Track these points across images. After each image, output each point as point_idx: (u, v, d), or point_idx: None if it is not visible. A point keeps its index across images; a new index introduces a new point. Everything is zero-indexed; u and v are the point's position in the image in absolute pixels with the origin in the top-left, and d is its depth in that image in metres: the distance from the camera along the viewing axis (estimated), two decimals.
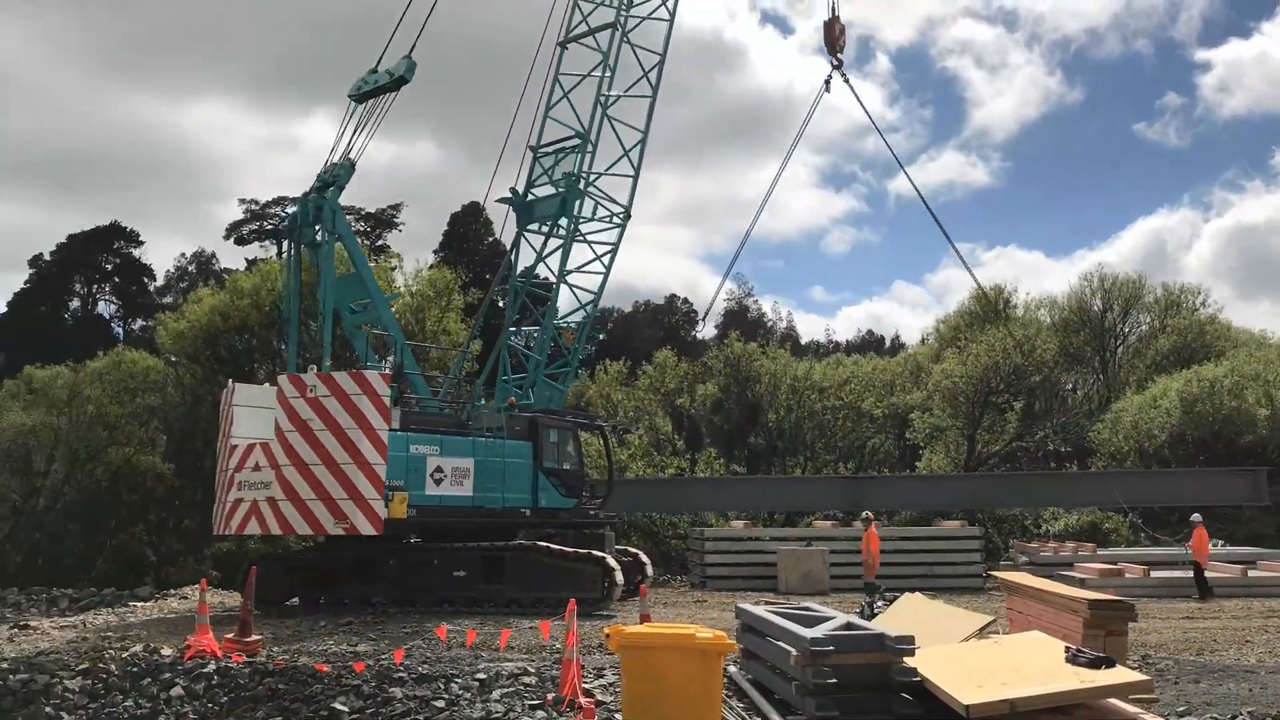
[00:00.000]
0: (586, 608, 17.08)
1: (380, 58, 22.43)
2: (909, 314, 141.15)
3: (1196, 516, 23.87)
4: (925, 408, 39.50)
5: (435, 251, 67.92)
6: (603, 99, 23.42)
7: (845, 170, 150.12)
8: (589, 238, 23.95)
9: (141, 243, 73.65)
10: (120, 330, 72.17)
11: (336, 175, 21.49)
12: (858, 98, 26.27)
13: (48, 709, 11.99)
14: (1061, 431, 41.24)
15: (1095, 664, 9.66)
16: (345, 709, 11.69)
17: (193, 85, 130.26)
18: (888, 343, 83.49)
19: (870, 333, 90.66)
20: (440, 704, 11.51)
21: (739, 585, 25.56)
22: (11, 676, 12.41)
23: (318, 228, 21.19)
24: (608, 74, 23.54)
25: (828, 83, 26.56)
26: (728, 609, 19.41)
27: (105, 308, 73.91)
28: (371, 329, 22.27)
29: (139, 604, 24.10)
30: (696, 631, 9.43)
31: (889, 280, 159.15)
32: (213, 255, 77.57)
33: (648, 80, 24.12)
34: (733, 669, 12.43)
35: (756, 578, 25.91)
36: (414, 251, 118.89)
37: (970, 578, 25.54)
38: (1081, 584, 21.50)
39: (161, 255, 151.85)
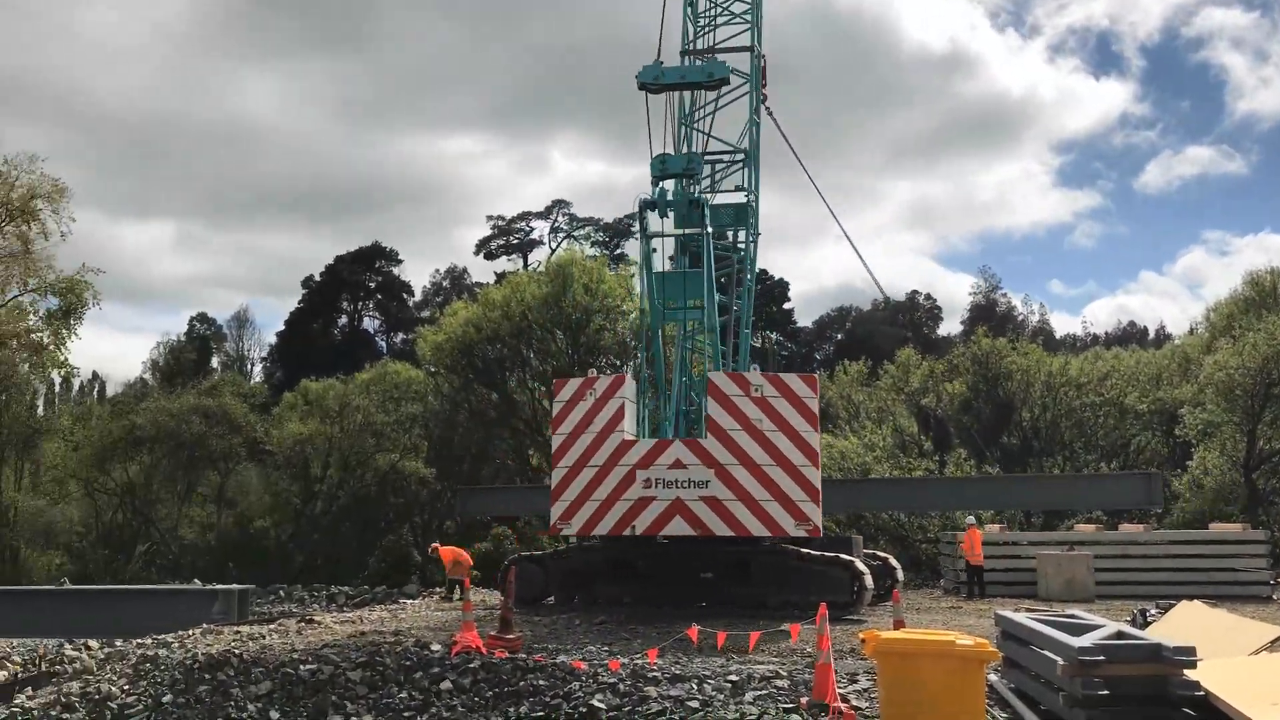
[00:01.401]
0: (836, 612, 16.80)
1: (659, 47, 22.58)
2: (1159, 303, 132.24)
3: (971, 519, 25.18)
4: (1197, 402, 36.71)
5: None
6: (686, 117, 23.25)
7: (1089, 167, 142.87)
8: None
9: (400, 261, 78.32)
10: (383, 344, 76.91)
11: (690, 169, 20.76)
12: (780, 130, 26.17)
13: (333, 697, 12.90)
14: None
15: None
16: (603, 706, 11.98)
17: (442, 119, 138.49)
18: (1151, 334, 78.23)
19: (1131, 324, 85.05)
20: (694, 704, 11.62)
21: (996, 591, 24.58)
22: (301, 666, 13.43)
23: (658, 216, 20.38)
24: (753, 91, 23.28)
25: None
26: (985, 616, 18.70)
27: (370, 323, 79.02)
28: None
29: (408, 601, 25.57)
30: (956, 638, 9.13)
31: (1134, 272, 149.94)
32: (464, 271, 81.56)
33: (750, 104, 23.81)
34: (993, 677, 11.94)
35: (1014, 583, 24.86)
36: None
37: (1255, 585, 23.56)
38: None
39: (419, 273, 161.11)
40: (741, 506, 17.99)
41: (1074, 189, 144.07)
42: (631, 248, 71.08)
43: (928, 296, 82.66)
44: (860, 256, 27.79)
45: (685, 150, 22.04)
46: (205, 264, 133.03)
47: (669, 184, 20.69)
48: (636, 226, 21.50)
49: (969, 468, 36.65)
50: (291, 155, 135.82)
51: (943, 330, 78.15)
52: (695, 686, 12.21)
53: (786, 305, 71.37)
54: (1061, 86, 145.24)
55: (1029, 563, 24.81)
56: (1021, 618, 11.67)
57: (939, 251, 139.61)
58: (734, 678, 12.45)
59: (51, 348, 53.69)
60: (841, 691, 11.39)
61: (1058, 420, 39.00)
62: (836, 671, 11.74)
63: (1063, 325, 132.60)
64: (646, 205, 20.52)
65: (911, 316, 75.99)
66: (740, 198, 23.08)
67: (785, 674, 12.58)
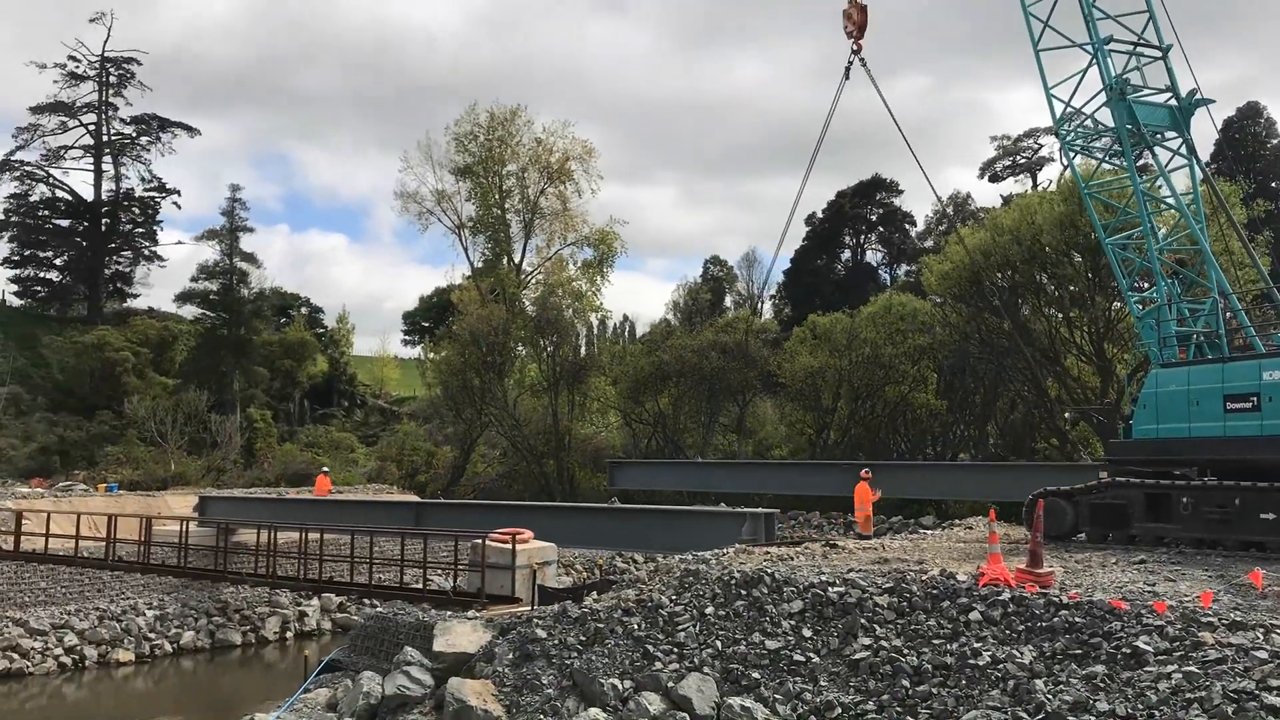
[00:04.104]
0: None
1: None
2: None
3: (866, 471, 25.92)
4: None
5: (1207, 163, 61.66)
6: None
7: None
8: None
9: (901, 192, 77.39)
10: (886, 276, 76.75)
11: None
12: (874, 83, 25.83)
13: (862, 620, 13.22)
14: None
15: None
16: (1149, 649, 11.22)
17: (931, 55, 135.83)
18: None
19: None
20: (1262, 654, 10.51)
21: None
22: (830, 588, 13.89)
23: None
24: None
25: (848, 70, 26.13)
26: None
27: (872, 256, 79.11)
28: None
29: (926, 531, 25.51)
30: None
31: None
32: (968, 196, 78.84)
33: None
34: None
35: None
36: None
37: None
38: None
39: (920, 202, 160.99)
40: None
41: None
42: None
43: None
44: (919, 163, 28.35)
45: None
46: (711, 216, 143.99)
47: None
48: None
49: None
50: (778, 117, 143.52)
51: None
52: (1261, 636, 11.00)
53: None
54: None
55: None
56: None
57: None
58: None
59: (589, 294, 60.26)
60: None
61: None
62: None
63: None
64: None
65: None
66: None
67: None
